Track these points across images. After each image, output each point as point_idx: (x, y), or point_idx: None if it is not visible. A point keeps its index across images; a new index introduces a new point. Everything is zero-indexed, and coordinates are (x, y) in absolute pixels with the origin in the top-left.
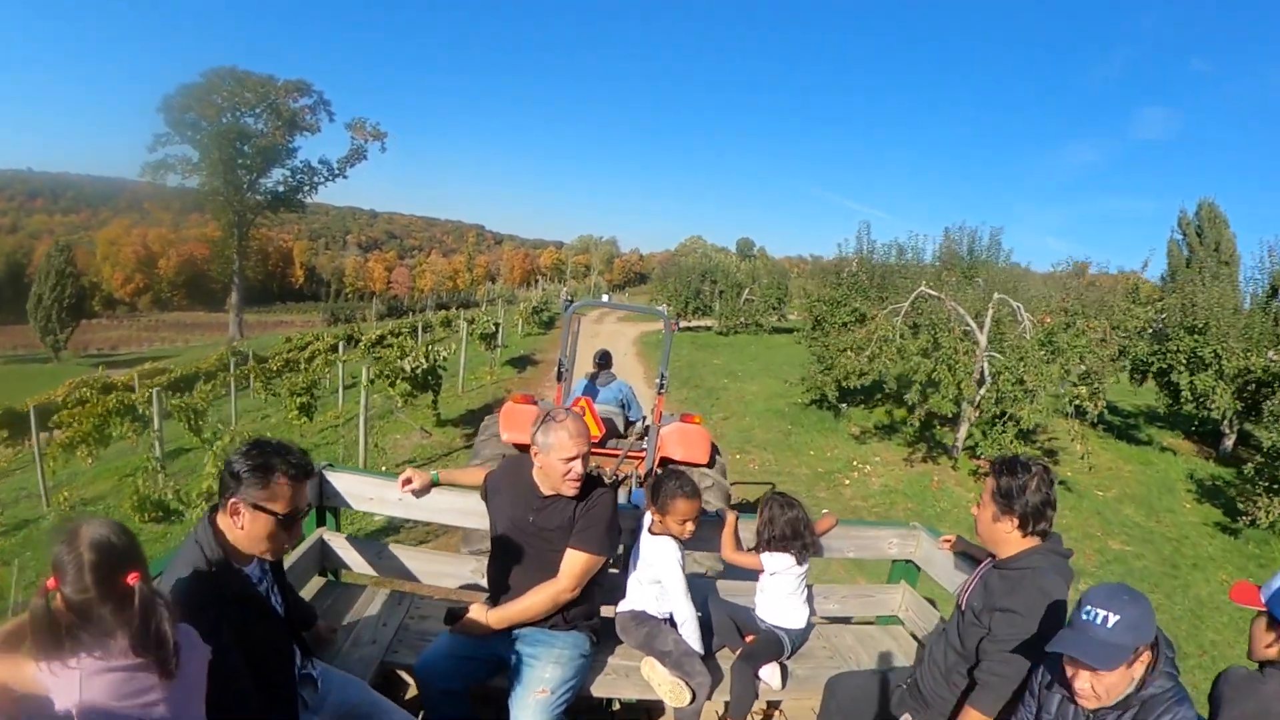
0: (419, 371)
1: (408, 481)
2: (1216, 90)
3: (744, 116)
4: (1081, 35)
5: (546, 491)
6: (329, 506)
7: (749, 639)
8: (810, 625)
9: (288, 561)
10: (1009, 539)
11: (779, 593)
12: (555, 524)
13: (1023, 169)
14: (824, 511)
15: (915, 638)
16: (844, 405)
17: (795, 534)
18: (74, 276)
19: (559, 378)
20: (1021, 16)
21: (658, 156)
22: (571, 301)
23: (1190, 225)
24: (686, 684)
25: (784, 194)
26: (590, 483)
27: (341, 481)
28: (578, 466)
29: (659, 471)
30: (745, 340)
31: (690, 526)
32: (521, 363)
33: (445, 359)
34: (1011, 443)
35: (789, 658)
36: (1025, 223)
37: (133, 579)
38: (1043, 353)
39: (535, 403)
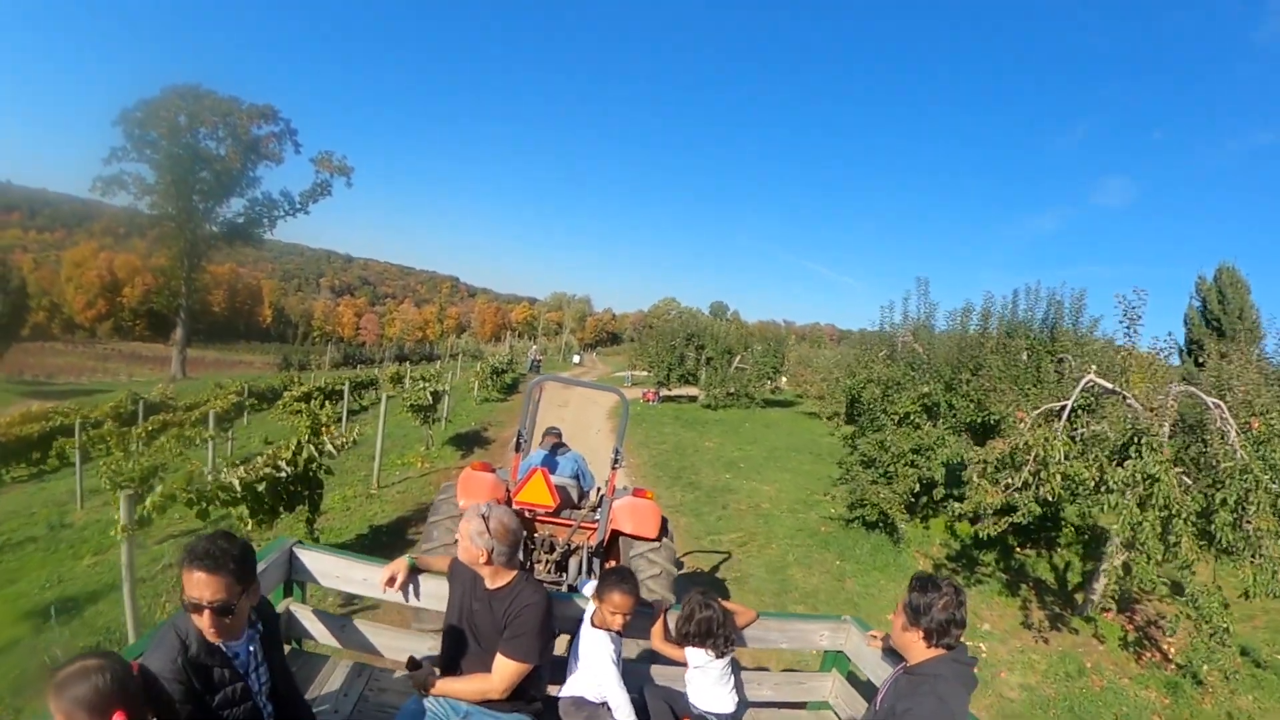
0: (287, 476)
1: (391, 580)
2: (1174, 159)
3: (716, 181)
4: (1042, 109)
5: (489, 586)
6: (297, 580)
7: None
8: (741, 710)
9: None
10: (915, 647)
11: (705, 682)
12: (490, 619)
13: (987, 237)
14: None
15: None
16: (903, 525)
17: (709, 632)
18: (7, 294)
19: (516, 448)
20: (986, 88)
21: (634, 217)
22: (539, 360)
23: (1211, 291)
24: None
25: (756, 258)
26: (524, 586)
27: (309, 559)
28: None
29: (610, 566)
30: (738, 416)
31: (620, 620)
32: (469, 441)
33: (343, 445)
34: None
35: None
36: (978, 286)
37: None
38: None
39: (494, 470)
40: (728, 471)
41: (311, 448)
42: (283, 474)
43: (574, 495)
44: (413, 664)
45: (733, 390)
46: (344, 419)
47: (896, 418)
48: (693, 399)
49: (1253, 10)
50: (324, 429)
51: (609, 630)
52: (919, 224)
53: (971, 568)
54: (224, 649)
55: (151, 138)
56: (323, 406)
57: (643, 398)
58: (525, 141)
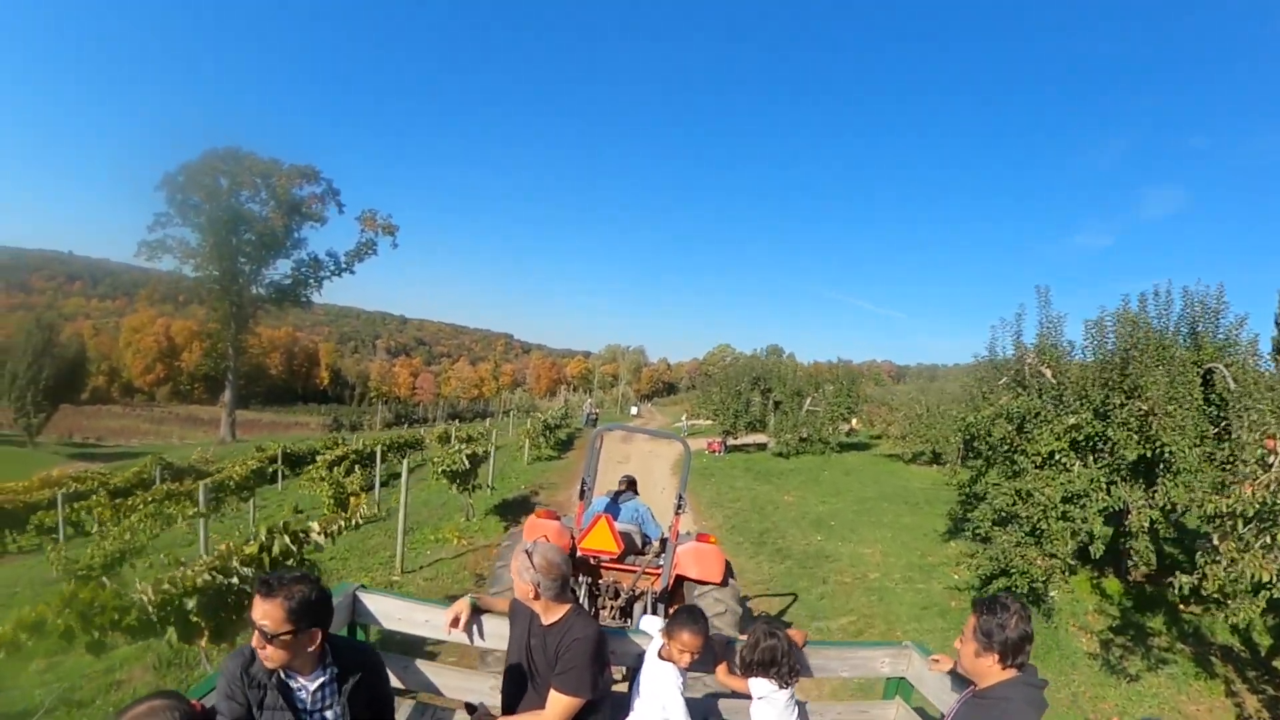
0: (246, 578)
1: (455, 621)
2: (1219, 162)
3: (762, 224)
4: (1079, 124)
5: (544, 621)
6: (360, 623)
7: None
8: None
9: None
10: (990, 671)
11: (769, 714)
12: (544, 655)
13: (1034, 260)
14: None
15: None
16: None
17: (773, 661)
18: (53, 357)
19: (580, 496)
20: (1018, 106)
21: (685, 265)
22: (595, 414)
23: None
24: None
25: (805, 299)
26: (575, 620)
27: (374, 602)
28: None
29: (681, 605)
30: (814, 464)
31: (688, 659)
32: (516, 510)
33: (361, 521)
34: None
35: None
36: (1030, 311)
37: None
38: None
39: (558, 518)
40: (818, 532)
41: (285, 539)
42: (233, 579)
43: (638, 541)
44: (470, 709)
45: (805, 435)
46: (376, 486)
47: (1039, 459)
48: (761, 447)
49: None
50: (353, 499)
51: (675, 663)
52: (962, 251)
53: (1143, 640)
54: (284, 677)
55: (194, 202)
56: (350, 473)
57: (707, 448)
58: (571, 197)
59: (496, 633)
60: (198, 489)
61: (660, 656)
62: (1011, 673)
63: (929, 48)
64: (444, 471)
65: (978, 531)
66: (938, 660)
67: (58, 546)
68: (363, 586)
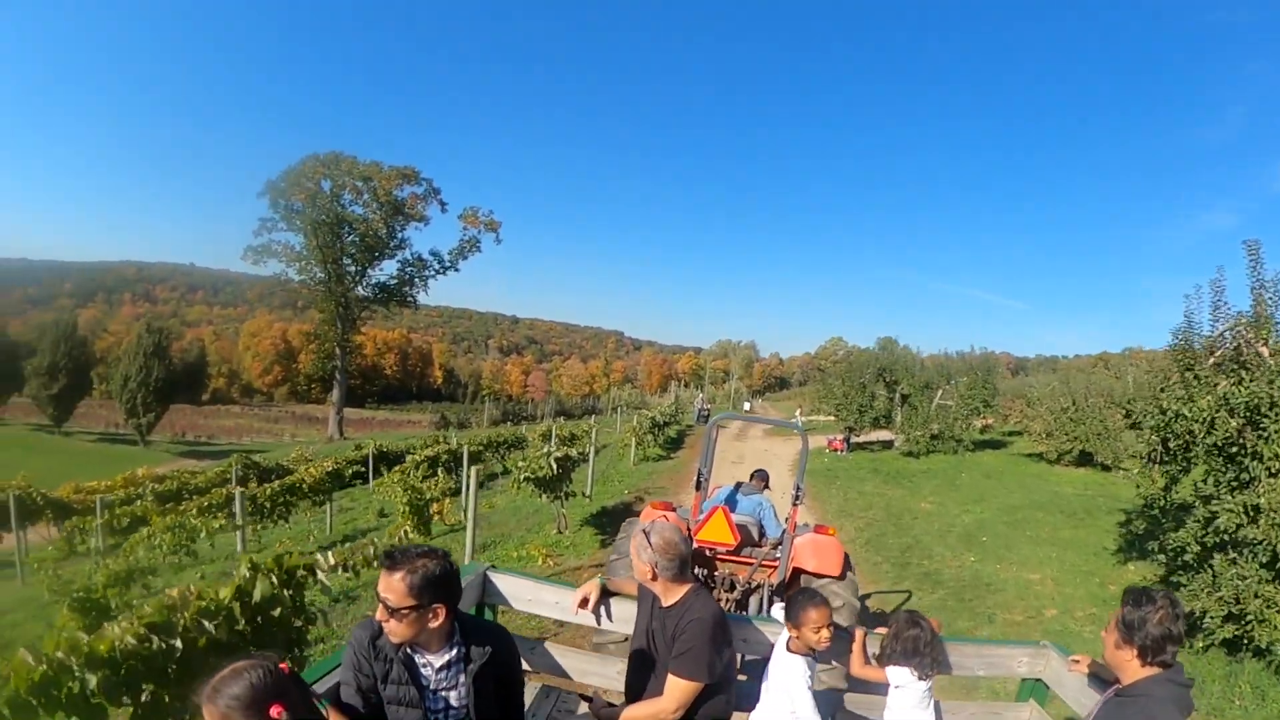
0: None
1: (584, 602)
2: None
3: (875, 214)
4: (1192, 98)
5: (664, 603)
6: (489, 603)
7: None
8: None
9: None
10: (1129, 666)
11: (904, 706)
12: (664, 638)
13: (1154, 241)
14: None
15: None
16: None
17: (915, 651)
18: (164, 360)
19: (697, 486)
20: (1133, 88)
21: (797, 257)
22: (707, 410)
23: None
24: None
25: (919, 290)
26: (694, 600)
27: (504, 583)
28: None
29: (793, 592)
30: (948, 464)
31: (825, 634)
32: (617, 519)
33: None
34: None
35: None
36: (1157, 297)
37: (275, 711)
38: None
39: (674, 509)
40: (970, 550)
41: (270, 581)
42: (175, 640)
43: (754, 534)
44: (586, 699)
45: (936, 432)
46: (466, 489)
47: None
48: (886, 445)
49: None
50: (434, 504)
51: (804, 655)
52: (1084, 236)
53: None
54: (410, 652)
55: (296, 206)
56: (431, 475)
57: (828, 446)
58: (682, 193)
59: (625, 616)
60: (263, 494)
61: (789, 649)
62: (1153, 670)
63: (1034, 27)
64: (527, 479)
65: (1182, 557)
66: (1078, 661)
67: (52, 563)
68: (493, 566)
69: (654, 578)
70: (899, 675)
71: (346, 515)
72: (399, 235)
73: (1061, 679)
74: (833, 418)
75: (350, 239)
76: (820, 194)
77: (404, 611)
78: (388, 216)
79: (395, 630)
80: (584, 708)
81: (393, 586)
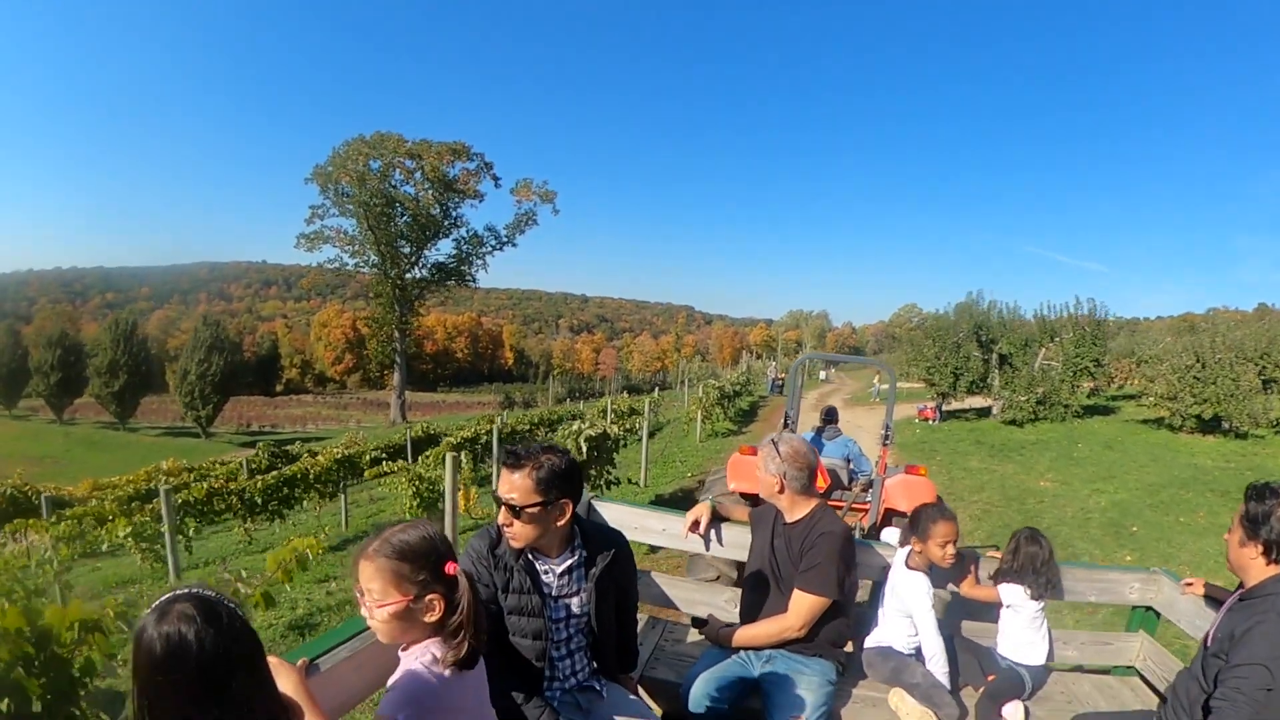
0: None
1: (695, 525)
2: None
3: (949, 174)
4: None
5: (788, 519)
6: None
7: (990, 678)
8: (1048, 668)
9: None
10: (1254, 566)
11: (1017, 627)
12: (788, 555)
13: (1240, 198)
14: None
15: (1155, 690)
16: None
17: (1032, 569)
18: (222, 351)
19: (784, 425)
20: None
21: (867, 223)
22: (781, 380)
23: None
24: (935, 715)
25: (994, 253)
26: (822, 515)
27: (608, 511)
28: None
29: (916, 507)
30: (1057, 433)
31: (951, 550)
32: (676, 506)
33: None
34: None
35: (1029, 698)
36: (1244, 255)
37: (450, 568)
38: None
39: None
40: (1121, 544)
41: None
42: None
43: (844, 477)
44: (698, 622)
45: (1042, 396)
46: (496, 475)
47: None
48: (981, 413)
49: None
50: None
51: (925, 572)
52: (1165, 193)
53: None
54: (530, 558)
55: (345, 190)
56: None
57: (918, 415)
58: (749, 164)
59: (736, 541)
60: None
61: (909, 566)
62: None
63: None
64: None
65: None
66: (1190, 584)
67: None
68: (597, 495)
69: (781, 490)
70: (1012, 594)
71: (377, 506)
72: (453, 213)
73: (1174, 604)
74: (921, 383)
75: (403, 220)
76: (890, 157)
77: (531, 509)
78: (440, 194)
79: (519, 534)
80: (693, 636)
81: (517, 484)
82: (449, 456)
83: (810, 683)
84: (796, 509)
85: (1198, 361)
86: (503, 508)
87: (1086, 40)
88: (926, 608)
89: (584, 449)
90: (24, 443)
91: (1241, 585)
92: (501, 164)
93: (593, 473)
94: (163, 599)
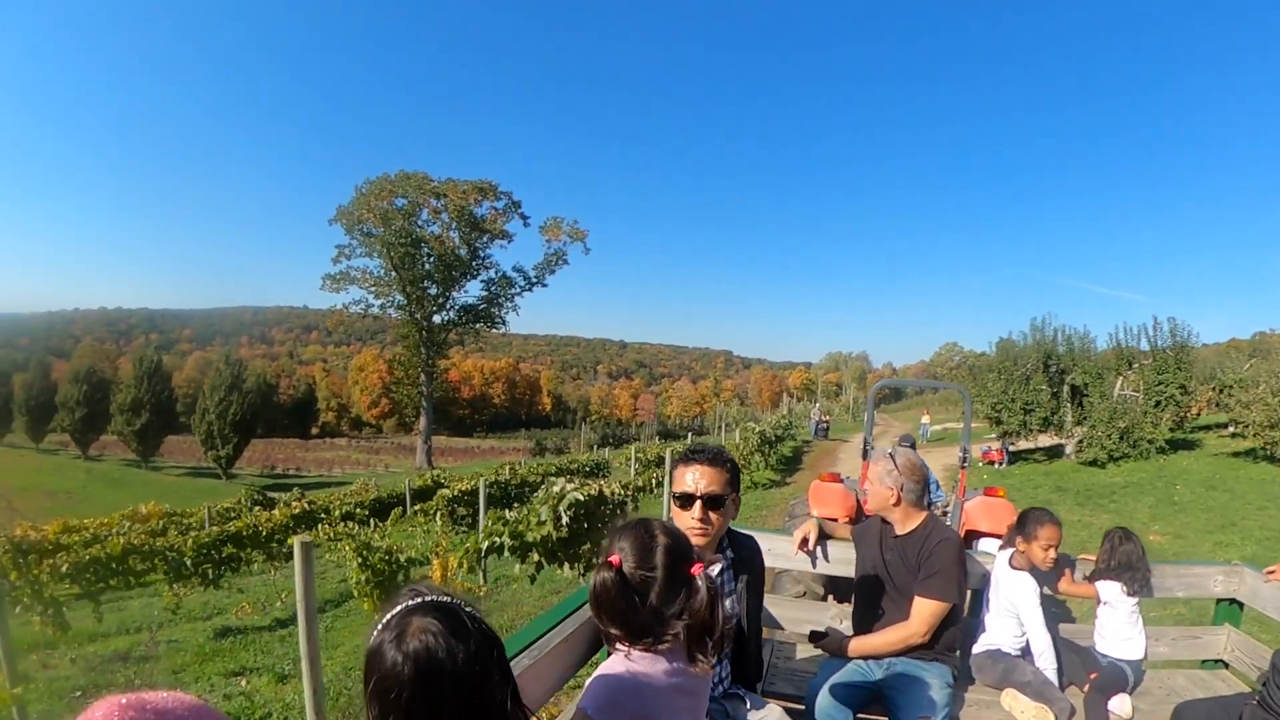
0: None
1: (804, 542)
2: None
3: (986, 211)
4: None
5: (899, 531)
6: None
7: (1092, 676)
8: (1143, 662)
9: None
10: None
11: (1115, 623)
12: (903, 565)
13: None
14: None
15: (1246, 681)
16: None
17: (1129, 565)
18: (244, 391)
19: (864, 456)
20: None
21: (905, 265)
22: (826, 423)
23: None
24: (1050, 710)
25: (1032, 286)
26: (935, 525)
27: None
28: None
29: (1022, 512)
30: (1145, 473)
31: (1053, 554)
32: None
33: None
34: None
35: (1131, 692)
36: None
37: (696, 569)
38: None
39: (841, 480)
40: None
41: None
42: None
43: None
44: (815, 636)
45: (1124, 432)
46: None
47: None
48: (1050, 452)
49: None
50: (437, 562)
51: (1029, 572)
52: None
53: None
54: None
55: (372, 230)
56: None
57: (982, 459)
58: (785, 208)
59: (841, 558)
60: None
61: (1013, 566)
62: None
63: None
64: (508, 547)
65: None
66: (1273, 571)
67: None
68: None
69: (897, 502)
70: (1109, 590)
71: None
72: (481, 254)
73: (1258, 593)
74: (984, 422)
75: (429, 260)
76: (926, 194)
77: (725, 498)
78: (467, 234)
79: (714, 529)
80: (802, 651)
81: (716, 478)
82: (298, 543)
83: (933, 684)
84: (910, 520)
85: None
86: (697, 503)
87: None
88: (1035, 605)
89: (564, 520)
90: (44, 476)
91: None
92: (534, 208)
93: (585, 549)
94: (395, 613)
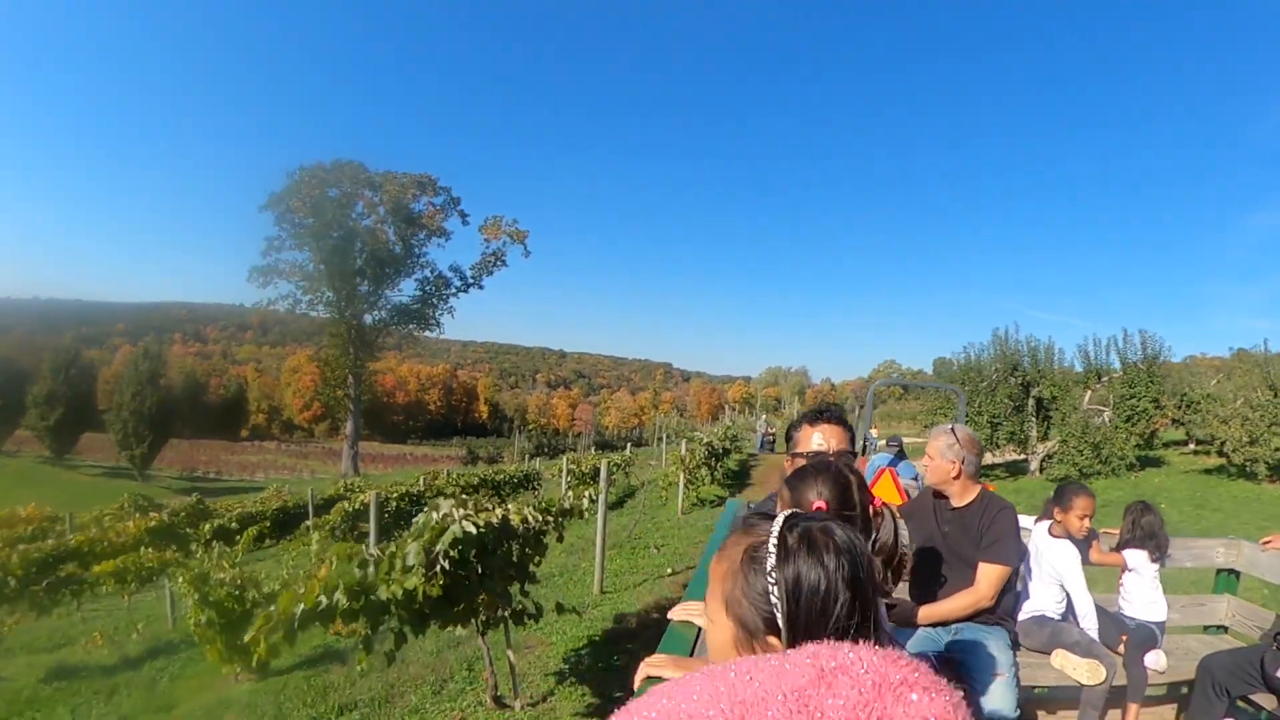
0: None
1: None
2: None
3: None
4: (1239, 97)
5: (955, 504)
6: None
7: (1123, 637)
8: (1165, 623)
9: None
10: None
11: (1141, 588)
12: (963, 535)
13: (1208, 248)
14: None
15: (1249, 642)
16: None
17: (1152, 535)
18: (158, 387)
19: (862, 451)
20: (1170, 83)
21: (845, 282)
22: (772, 437)
23: None
24: (1101, 664)
25: (974, 309)
26: (991, 497)
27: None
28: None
29: (1060, 484)
30: (1121, 491)
31: (1087, 523)
32: (634, 653)
33: None
34: None
35: (1160, 647)
36: (1218, 305)
37: (878, 501)
38: None
39: None
40: None
41: None
42: None
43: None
44: (889, 606)
45: (1091, 449)
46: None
47: None
48: (1013, 468)
49: None
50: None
51: (1069, 539)
52: (1129, 248)
53: None
54: None
55: (303, 221)
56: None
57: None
58: (726, 222)
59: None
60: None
61: (1052, 535)
62: None
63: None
64: (342, 610)
65: None
66: (1269, 540)
67: None
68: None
69: (958, 475)
70: (1136, 558)
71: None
72: (417, 251)
73: (1255, 561)
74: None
75: (362, 256)
76: (865, 214)
77: (853, 455)
78: (402, 230)
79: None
80: None
81: (843, 437)
82: None
83: (999, 645)
84: (968, 493)
85: (1278, 395)
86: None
87: (1038, 102)
88: (1077, 569)
89: (442, 567)
90: None
91: None
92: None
93: (481, 600)
94: (777, 536)
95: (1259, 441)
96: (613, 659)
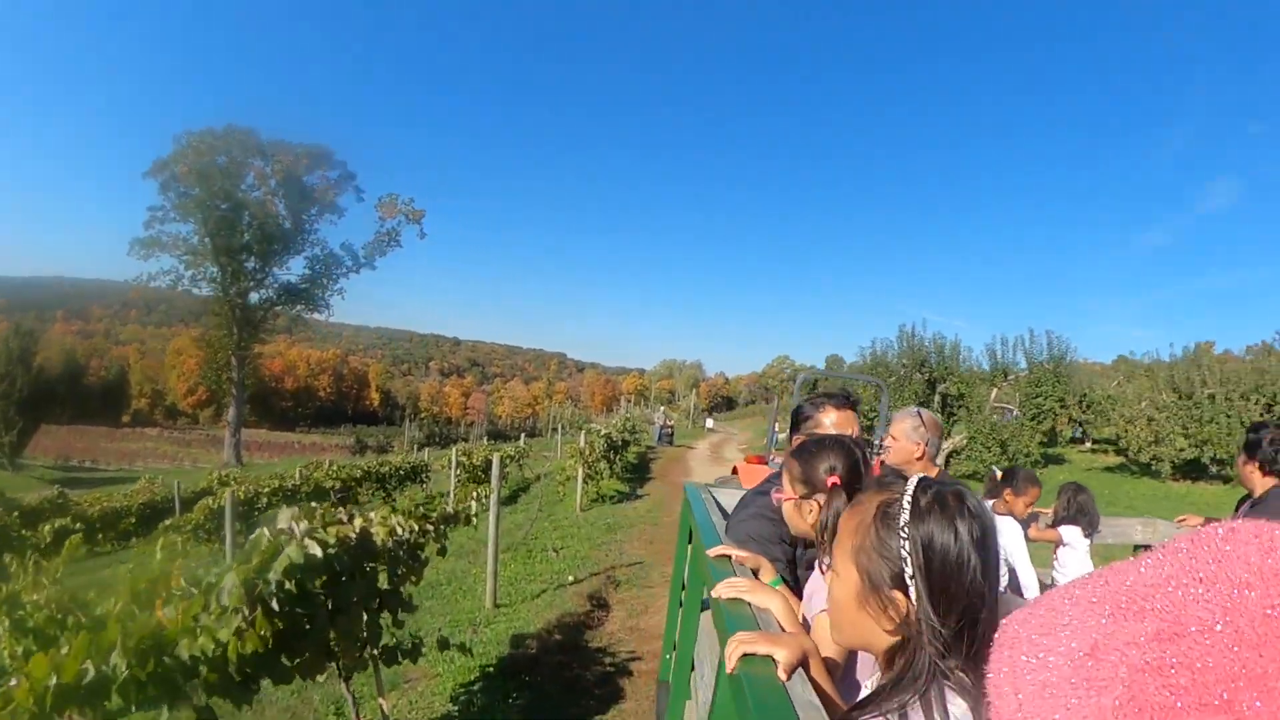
0: None
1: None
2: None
3: (821, 233)
4: (1131, 122)
5: None
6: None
7: None
8: None
9: None
10: (1254, 478)
11: (1075, 562)
12: None
13: (1092, 262)
14: None
15: None
16: None
17: (1085, 511)
18: (29, 368)
19: (775, 445)
20: (1068, 109)
21: (741, 276)
22: (670, 429)
23: None
24: None
25: (868, 311)
26: (948, 479)
27: (723, 496)
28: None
29: (1011, 468)
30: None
31: (1028, 508)
32: (542, 694)
33: None
34: None
35: None
36: (1100, 317)
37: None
38: None
39: (766, 462)
40: None
41: None
42: None
43: None
44: None
45: (1005, 440)
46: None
47: None
48: None
49: None
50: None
51: (1012, 516)
52: (1024, 256)
53: None
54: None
55: (189, 191)
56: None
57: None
58: (622, 214)
59: None
60: None
61: (996, 512)
62: (1273, 479)
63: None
64: (121, 684)
65: None
66: (1184, 519)
67: None
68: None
69: (921, 457)
70: (1070, 534)
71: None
72: (307, 227)
73: (1169, 538)
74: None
75: (250, 229)
76: (764, 210)
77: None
78: (293, 203)
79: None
80: None
81: (857, 423)
82: None
83: None
84: (927, 474)
85: (1188, 399)
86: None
87: (952, 111)
88: (1022, 545)
89: (271, 608)
90: None
91: (1249, 495)
92: (371, 188)
93: (333, 641)
94: (910, 501)
95: (1163, 441)
96: (510, 697)
